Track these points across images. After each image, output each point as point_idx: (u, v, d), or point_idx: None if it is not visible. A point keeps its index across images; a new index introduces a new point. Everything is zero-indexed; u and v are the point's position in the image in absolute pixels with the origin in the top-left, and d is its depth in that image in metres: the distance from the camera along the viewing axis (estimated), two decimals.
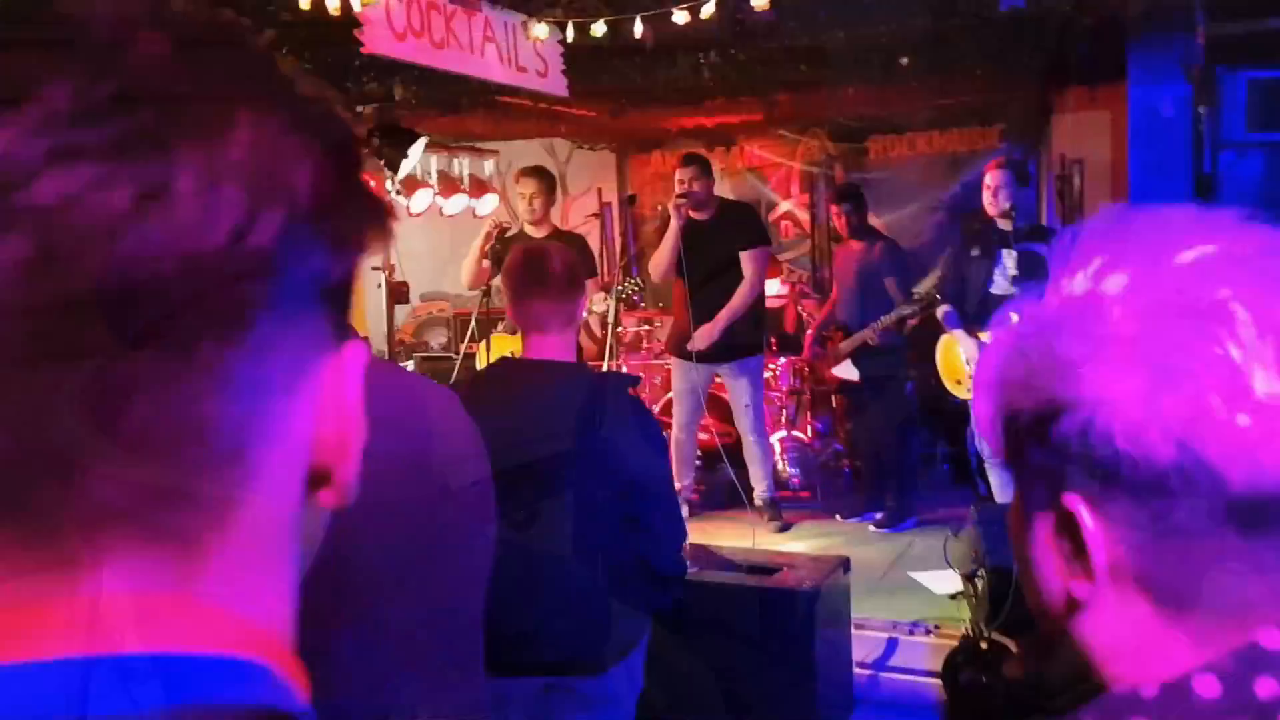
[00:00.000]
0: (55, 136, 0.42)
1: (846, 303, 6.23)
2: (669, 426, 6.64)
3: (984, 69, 5.96)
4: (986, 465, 5.50)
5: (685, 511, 5.15)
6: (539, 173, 5.96)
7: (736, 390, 5.97)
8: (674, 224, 5.71)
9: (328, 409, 0.52)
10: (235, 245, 0.44)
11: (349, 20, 3.08)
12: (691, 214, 5.76)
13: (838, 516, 6.35)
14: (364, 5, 2.99)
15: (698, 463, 6.38)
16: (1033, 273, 5.06)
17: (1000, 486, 5.42)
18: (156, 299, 0.43)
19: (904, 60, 5.26)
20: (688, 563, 3.14)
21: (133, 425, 0.43)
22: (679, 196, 5.70)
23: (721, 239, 5.82)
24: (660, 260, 5.83)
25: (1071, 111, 7.75)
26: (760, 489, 6.10)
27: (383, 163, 5.55)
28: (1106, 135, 7.58)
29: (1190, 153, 4.21)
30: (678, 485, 6.07)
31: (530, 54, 3.89)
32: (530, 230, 5.97)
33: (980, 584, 4.42)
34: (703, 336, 5.75)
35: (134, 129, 0.43)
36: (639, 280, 6.10)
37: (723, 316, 5.76)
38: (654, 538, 2.60)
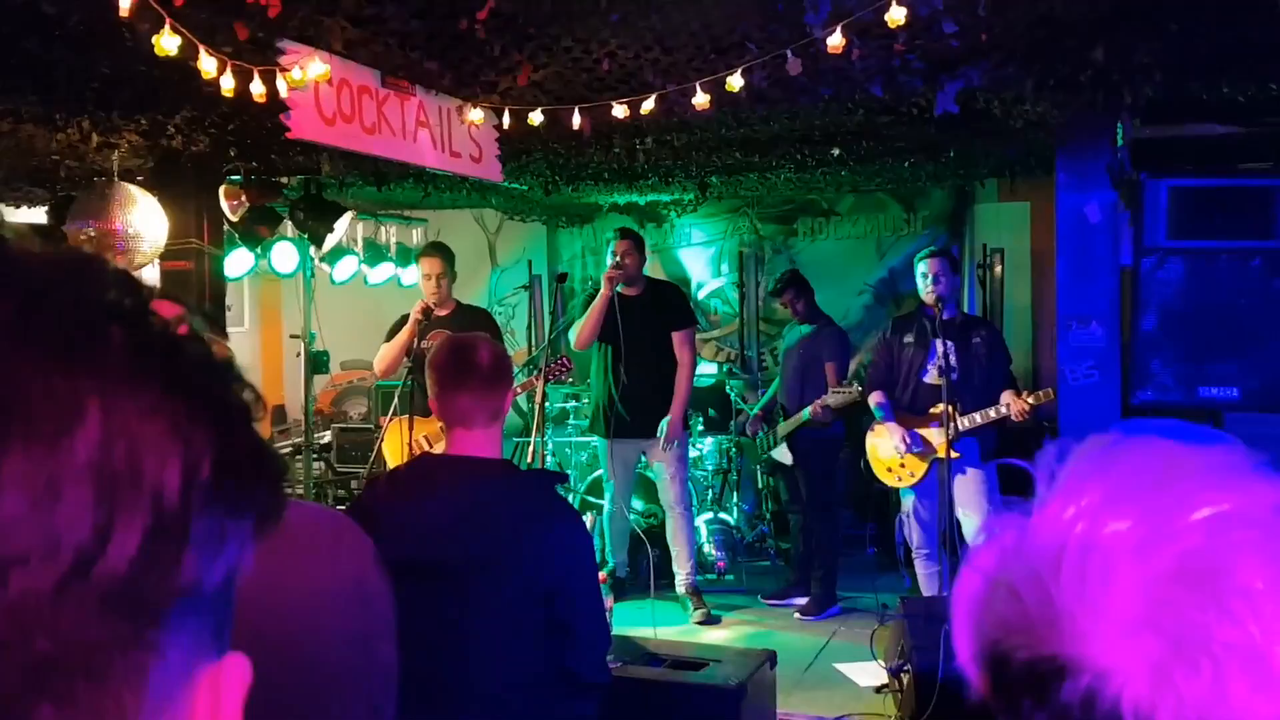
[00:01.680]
0: None
1: (789, 386, 6.24)
2: (589, 506, 6.56)
3: (911, 161, 6.08)
4: (914, 556, 5.48)
5: (610, 600, 5.03)
6: (441, 250, 5.77)
7: (663, 464, 5.92)
8: (604, 293, 5.73)
9: None
10: (80, 576, 0.35)
11: (273, 101, 2.99)
12: (621, 289, 5.78)
13: (759, 597, 6.29)
14: (291, 89, 2.90)
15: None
16: (967, 362, 5.11)
17: (926, 579, 5.40)
18: None
19: (835, 151, 5.32)
20: (610, 664, 3.05)
21: None
22: (613, 268, 5.72)
23: (650, 317, 5.83)
24: (585, 329, 5.83)
25: (993, 202, 7.95)
26: (683, 574, 6.01)
27: (306, 236, 5.43)
28: (1026, 226, 7.79)
29: (1115, 256, 4.31)
30: (611, 562, 6.00)
31: (464, 139, 3.83)
32: (437, 310, 5.79)
33: (906, 679, 4.39)
34: (672, 433, 5.79)
35: None
36: (564, 357, 6.01)
37: (677, 410, 5.80)
38: (578, 644, 2.50)
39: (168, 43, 2.40)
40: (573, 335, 6.00)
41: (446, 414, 2.53)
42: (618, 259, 5.75)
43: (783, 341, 6.53)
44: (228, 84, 2.77)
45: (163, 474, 0.37)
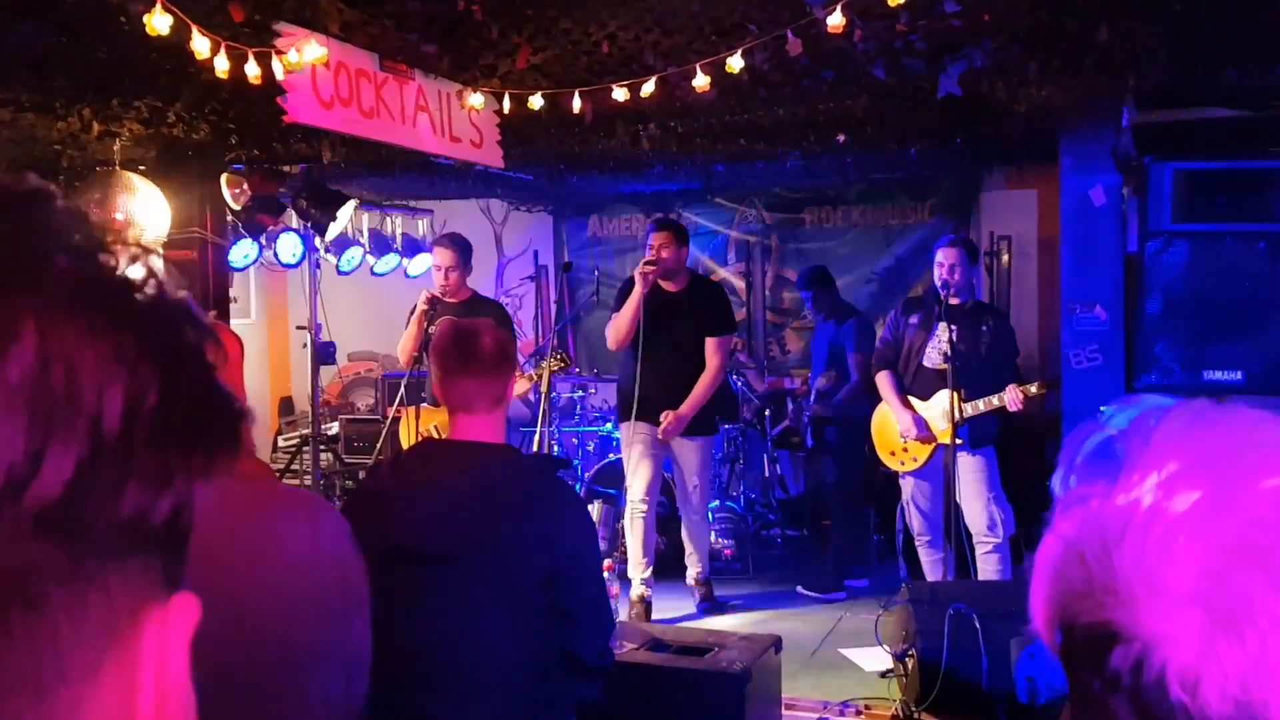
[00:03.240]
0: None
1: (816, 376, 6.30)
2: (596, 495, 6.54)
3: (918, 147, 6.05)
4: (916, 544, 5.49)
5: (614, 587, 5.01)
6: (455, 242, 5.68)
7: (689, 467, 5.73)
8: (638, 290, 5.41)
9: (145, 687, 0.40)
10: (12, 497, 0.34)
11: (273, 86, 2.99)
12: (660, 283, 5.50)
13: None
14: (288, 72, 2.89)
15: None
16: (970, 349, 5.09)
17: (929, 566, 5.40)
18: None
19: (841, 138, 5.30)
20: (616, 649, 3.05)
21: None
22: (647, 263, 5.42)
23: (688, 315, 5.56)
24: (620, 328, 5.53)
25: (1000, 189, 7.92)
26: (695, 570, 5.95)
27: (309, 225, 5.44)
28: (1033, 212, 7.76)
29: (1120, 240, 4.30)
30: (644, 570, 5.70)
31: (465, 124, 3.82)
32: (448, 297, 5.74)
33: (910, 663, 4.39)
34: (671, 429, 5.53)
35: None
36: (565, 354, 5.94)
37: (687, 407, 5.53)
38: (580, 629, 2.51)
39: (159, 22, 2.40)
40: (609, 334, 5.72)
41: (449, 399, 2.53)
42: (655, 250, 5.44)
43: (813, 337, 6.62)
44: (222, 66, 2.77)
45: (103, 400, 0.37)
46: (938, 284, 5.15)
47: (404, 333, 5.72)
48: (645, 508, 5.68)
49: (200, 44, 2.65)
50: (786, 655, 4.14)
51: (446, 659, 2.39)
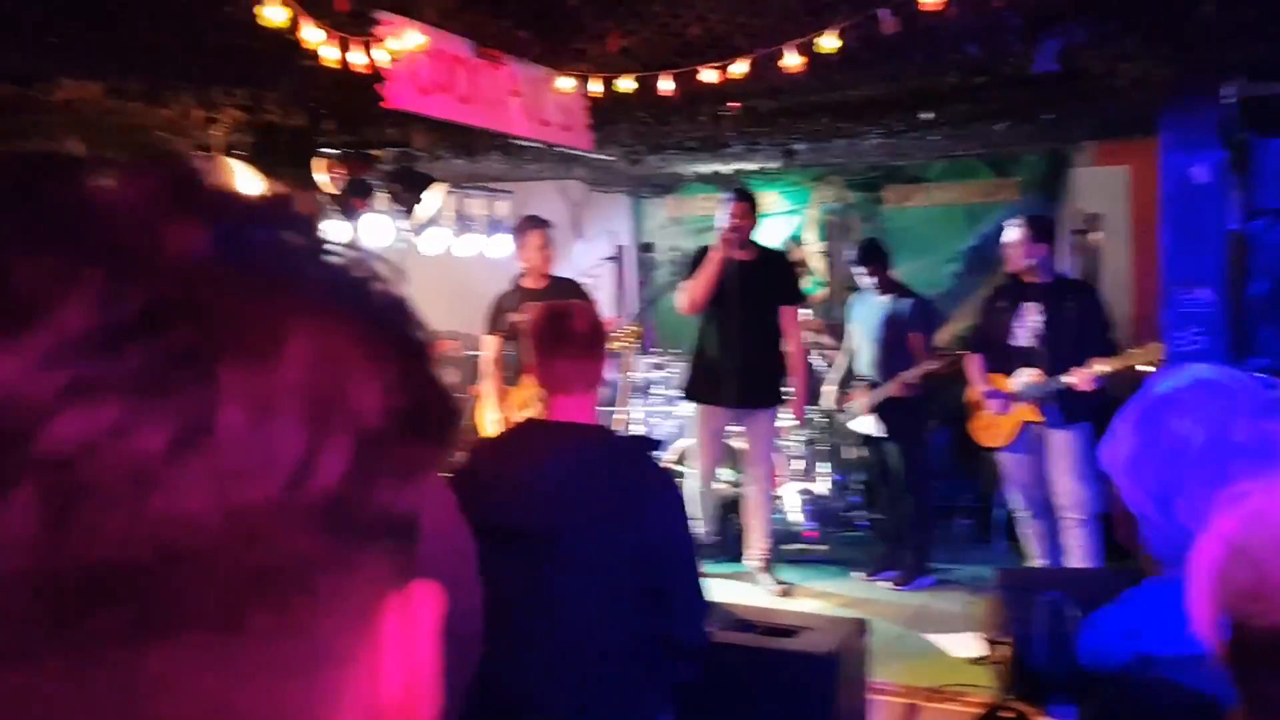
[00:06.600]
0: (70, 367, 0.33)
1: (869, 355, 6.13)
2: (677, 475, 6.54)
3: (1005, 123, 5.92)
4: (1017, 519, 5.50)
5: (702, 566, 5.03)
6: (546, 224, 5.81)
7: (754, 439, 5.83)
8: (716, 257, 5.54)
9: (392, 673, 0.42)
10: (294, 490, 0.36)
11: (370, 73, 3.04)
12: (734, 253, 5.60)
13: (861, 575, 6.20)
14: (392, 60, 2.94)
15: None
16: (1055, 327, 5.06)
17: (1026, 540, 5.41)
18: (196, 568, 0.34)
19: (930, 115, 5.22)
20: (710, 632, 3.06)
21: None
22: (729, 231, 5.52)
23: (759, 285, 5.65)
24: (695, 292, 5.65)
25: (1090, 166, 7.71)
26: (758, 550, 5.94)
27: (400, 208, 5.51)
28: (1126, 190, 7.54)
29: (1223, 219, 4.16)
30: (702, 530, 5.88)
31: (555, 107, 3.85)
32: (531, 282, 5.79)
33: (1002, 651, 4.33)
34: (800, 413, 5.87)
35: (166, 353, 0.35)
36: (637, 328, 5.96)
37: (799, 391, 5.78)
38: (676, 610, 2.52)
39: (273, 13, 2.46)
40: (681, 298, 5.80)
41: (546, 380, 2.56)
42: (736, 219, 5.54)
43: (852, 310, 6.35)
44: (332, 55, 2.82)
45: (364, 397, 0.39)
46: (1006, 262, 5.27)
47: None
48: (706, 486, 5.91)
49: (313, 35, 2.71)
50: (871, 641, 4.11)
51: (545, 638, 2.42)
